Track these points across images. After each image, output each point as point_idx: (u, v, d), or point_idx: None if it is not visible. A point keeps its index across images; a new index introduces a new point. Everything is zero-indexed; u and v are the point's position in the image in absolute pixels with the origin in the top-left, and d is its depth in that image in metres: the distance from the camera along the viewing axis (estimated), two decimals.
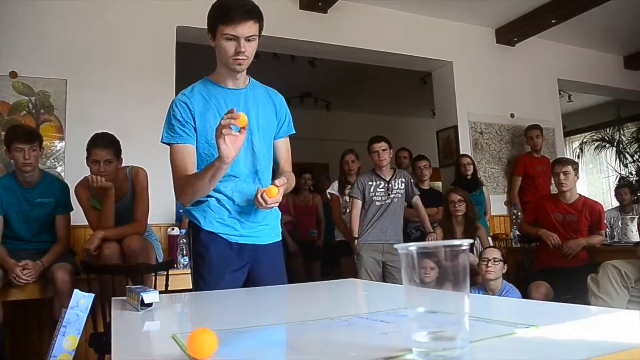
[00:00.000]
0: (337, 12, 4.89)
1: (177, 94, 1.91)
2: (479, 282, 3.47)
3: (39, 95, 3.76)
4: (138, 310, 1.19)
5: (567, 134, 8.41)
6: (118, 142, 3.01)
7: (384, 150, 3.81)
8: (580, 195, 3.83)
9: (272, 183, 1.75)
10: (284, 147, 1.99)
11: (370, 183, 3.80)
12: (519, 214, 4.97)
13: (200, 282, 1.81)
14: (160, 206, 3.75)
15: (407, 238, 4.21)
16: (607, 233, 4.12)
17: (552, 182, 4.33)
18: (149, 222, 3.19)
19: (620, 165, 7.71)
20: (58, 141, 3.79)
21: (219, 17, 1.71)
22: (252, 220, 1.84)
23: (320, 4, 4.74)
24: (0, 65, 3.64)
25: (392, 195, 3.78)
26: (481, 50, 5.76)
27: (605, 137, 7.93)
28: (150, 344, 0.97)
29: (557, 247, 3.66)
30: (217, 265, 1.80)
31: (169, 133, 1.80)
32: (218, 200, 1.81)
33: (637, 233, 3.87)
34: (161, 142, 1.84)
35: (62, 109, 3.82)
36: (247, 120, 1.57)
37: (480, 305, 1.18)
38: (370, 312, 1.13)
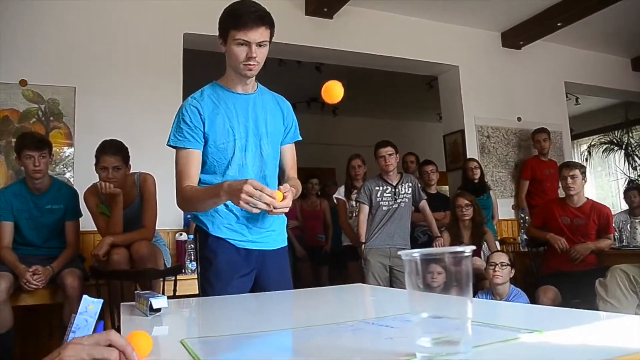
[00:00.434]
0: (342, 18, 4.92)
1: (184, 100, 1.93)
2: (486, 287, 3.46)
3: (49, 102, 3.80)
4: (147, 316, 1.20)
5: (575, 137, 8.37)
6: (126, 148, 3.04)
7: (390, 155, 3.81)
8: (588, 199, 3.81)
9: (277, 189, 1.76)
10: (289, 153, 2.00)
11: (377, 188, 3.81)
12: (527, 218, 4.96)
13: (208, 288, 1.82)
14: (168, 212, 3.76)
15: (414, 242, 4.21)
16: (616, 237, 4.10)
17: (560, 185, 4.32)
18: (157, 228, 3.21)
19: (629, 168, 7.66)
20: (67, 148, 3.83)
21: (231, 22, 1.71)
22: (259, 226, 1.85)
23: (325, 10, 4.77)
24: (11, 73, 3.69)
25: (399, 200, 3.78)
26: (487, 54, 5.76)
27: (614, 140, 7.88)
28: (159, 349, 0.98)
29: (565, 251, 3.64)
30: (225, 270, 1.81)
31: (176, 136, 1.81)
32: (226, 205, 1.82)
33: None
34: (167, 144, 1.84)
35: (71, 116, 3.86)
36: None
37: (485, 310, 1.19)
38: (376, 318, 1.13)
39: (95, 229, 3.16)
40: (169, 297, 1.27)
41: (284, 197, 1.63)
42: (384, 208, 3.77)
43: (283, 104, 1.98)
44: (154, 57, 4.17)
